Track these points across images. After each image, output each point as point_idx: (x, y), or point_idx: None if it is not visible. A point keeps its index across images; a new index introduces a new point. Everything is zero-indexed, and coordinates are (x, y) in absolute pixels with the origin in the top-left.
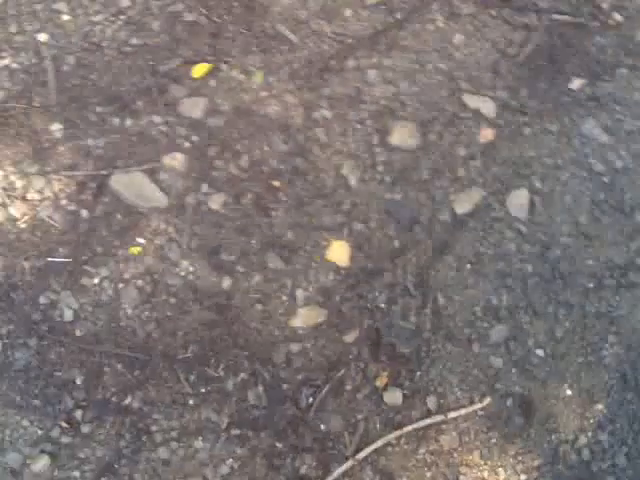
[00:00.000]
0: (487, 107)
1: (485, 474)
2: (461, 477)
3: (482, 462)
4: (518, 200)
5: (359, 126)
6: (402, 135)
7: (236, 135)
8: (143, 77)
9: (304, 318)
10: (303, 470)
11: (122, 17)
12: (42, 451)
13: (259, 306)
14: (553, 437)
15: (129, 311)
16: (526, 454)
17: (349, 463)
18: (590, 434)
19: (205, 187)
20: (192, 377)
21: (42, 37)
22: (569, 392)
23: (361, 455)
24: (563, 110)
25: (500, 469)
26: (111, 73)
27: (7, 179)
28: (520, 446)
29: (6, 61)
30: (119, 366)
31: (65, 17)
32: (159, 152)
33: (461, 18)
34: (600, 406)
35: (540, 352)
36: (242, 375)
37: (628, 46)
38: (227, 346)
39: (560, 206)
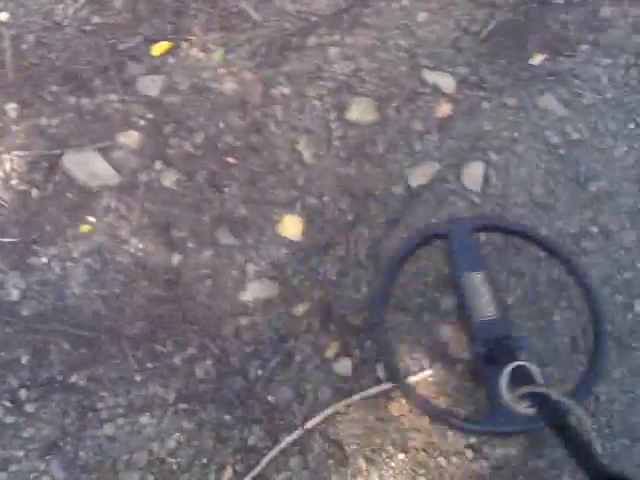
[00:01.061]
0: (446, 83)
1: (434, 438)
2: (410, 442)
3: (431, 427)
4: (473, 173)
5: (317, 102)
6: (360, 111)
7: (192, 112)
8: (101, 55)
9: (254, 292)
10: (251, 441)
11: None
12: None
13: (209, 281)
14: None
15: (77, 289)
16: (475, 417)
17: (298, 432)
18: None
19: (159, 164)
20: (139, 353)
21: (3, 16)
22: None
23: (310, 424)
24: (522, 85)
25: (449, 432)
26: (70, 52)
27: None
28: (469, 410)
29: None
30: (65, 344)
31: None
32: (113, 130)
33: None
34: (551, 368)
35: None
36: (190, 350)
37: (591, 22)
38: (175, 322)
39: (515, 178)
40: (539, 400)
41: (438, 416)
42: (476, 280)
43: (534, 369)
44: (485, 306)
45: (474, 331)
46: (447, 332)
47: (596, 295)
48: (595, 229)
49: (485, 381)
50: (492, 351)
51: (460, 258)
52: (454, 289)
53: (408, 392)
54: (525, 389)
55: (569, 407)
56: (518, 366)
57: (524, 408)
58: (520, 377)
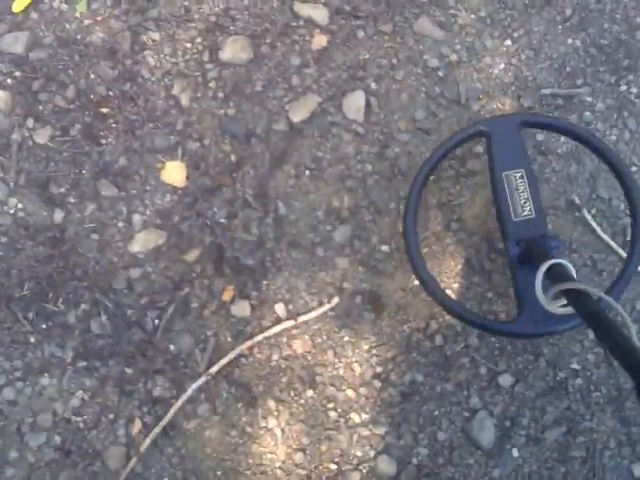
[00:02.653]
0: (319, 14)
1: (341, 371)
2: (317, 377)
3: (337, 360)
4: (354, 103)
5: (189, 45)
6: (233, 50)
7: (61, 66)
8: None
9: (143, 242)
10: (156, 392)
11: None
12: None
13: (95, 236)
14: (405, 327)
15: None
16: (380, 347)
17: (203, 379)
18: (441, 320)
19: (31, 122)
20: (31, 314)
21: None
22: (417, 282)
23: (214, 369)
24: (396, 11)
25: (355, 365)
26: None
27: None
28: (373, 340)
29: None
30: None
31: None
32: None
33: None
34: (449, 292)
35: (385, 247)
36: (83, 306)
37: None
38: (65, 279)
39: (396, 104)
40: (575, 298)
41: (471, 319)
42: (515, 178)
43: (570, 267)
44: (522, 205)
45: (508, 231)
46: (344, 264)
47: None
48: (480, 149)
49: (518, 282)
50: (526, 250)
51: (500, 156)
52: (492, 188)
53: (438, 294)
54: (563, 286)
55: (608, 304)
56: (553, 265)
57: (559, 308)
58: (556, 276)
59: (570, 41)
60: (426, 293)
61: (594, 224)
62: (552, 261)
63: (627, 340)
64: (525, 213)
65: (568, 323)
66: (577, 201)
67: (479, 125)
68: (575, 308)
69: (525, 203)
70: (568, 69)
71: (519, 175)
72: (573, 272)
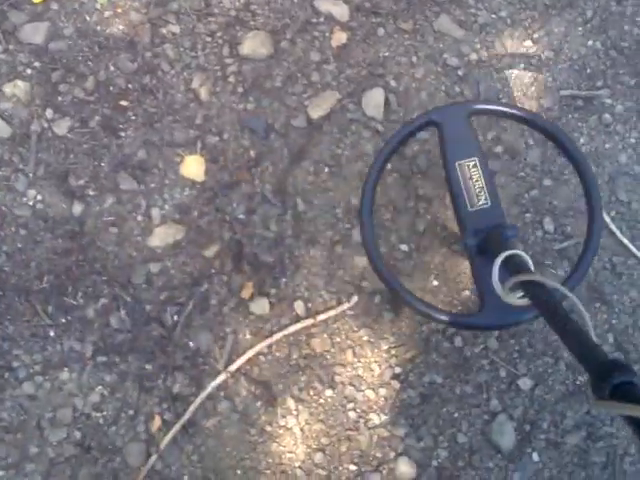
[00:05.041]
0: (339, 11)
1: (360, 371)
2: (336, 377)
3: (355, 360)
4: (373, 100)
5: (209, 39)
6: (253, 45)
7: (80, 58)
8: None
9: (162, 236)
10: (176, 389)
11: None
12: None
13: (114, 229)
14: (424, 328)
15: None
16: (399, 347)
17: (222, 376)
18: None
19: (50, 113)
20: (50, 308)
21: None
22: (435, 282)
23: (233, 367)
24: (417, 9)
25: (374, 364)
26: None
27: None
28: (392, 340)
29: None
30: None
31: None
32: (0, 82)
33: None
34: (468, 292)
35: (404, 247)
36: (102, 301)
37: None
38: (84, 273)
39: (416, 102)
40: (532, 290)
41: (427, 313)
42: (469, 168)
43: (526, 257)
44: (477, 194)
45: (464, 222)
46: (363, 263)
47: (592, 178)
48: (500, 149)
49: (478, 274)
50: (483, 242)
51: (453, 145)
52: (445, 179)
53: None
54: (518, 278)
55: (564, 295)
56: (510, 255)
57: (517, 299)
58: (513, 267)
59: (590, 43)
60: (385, 285)
61: (613, 227)
62: (508, 252)
63: (580, 332)
64: (481, 203)
65: (532, 313)
66: None
67: (430, 115)
68: (531, 299)
69: (480, 192)
70: (588, 71)
71: (472, 164)
72: (530, 262)
